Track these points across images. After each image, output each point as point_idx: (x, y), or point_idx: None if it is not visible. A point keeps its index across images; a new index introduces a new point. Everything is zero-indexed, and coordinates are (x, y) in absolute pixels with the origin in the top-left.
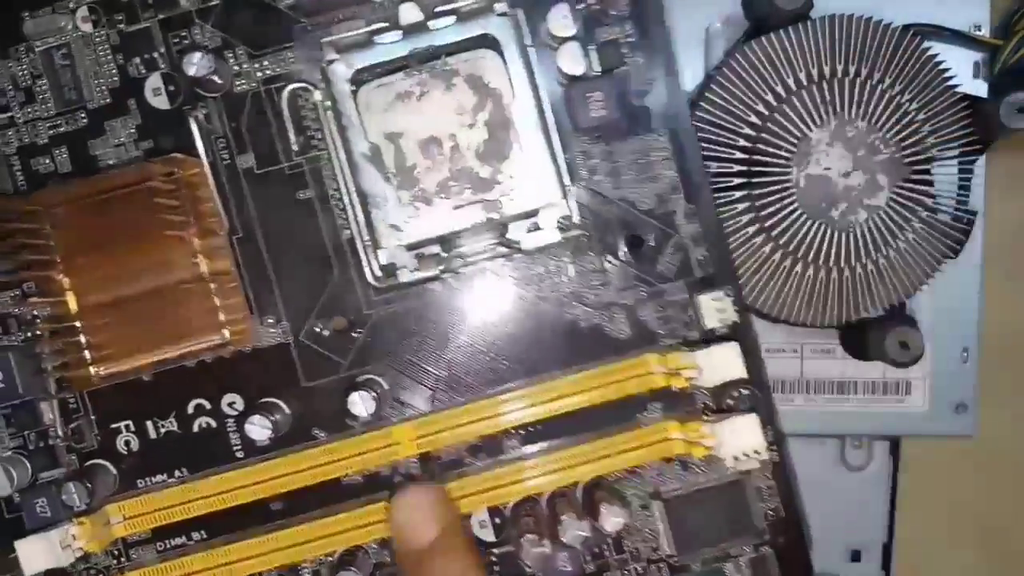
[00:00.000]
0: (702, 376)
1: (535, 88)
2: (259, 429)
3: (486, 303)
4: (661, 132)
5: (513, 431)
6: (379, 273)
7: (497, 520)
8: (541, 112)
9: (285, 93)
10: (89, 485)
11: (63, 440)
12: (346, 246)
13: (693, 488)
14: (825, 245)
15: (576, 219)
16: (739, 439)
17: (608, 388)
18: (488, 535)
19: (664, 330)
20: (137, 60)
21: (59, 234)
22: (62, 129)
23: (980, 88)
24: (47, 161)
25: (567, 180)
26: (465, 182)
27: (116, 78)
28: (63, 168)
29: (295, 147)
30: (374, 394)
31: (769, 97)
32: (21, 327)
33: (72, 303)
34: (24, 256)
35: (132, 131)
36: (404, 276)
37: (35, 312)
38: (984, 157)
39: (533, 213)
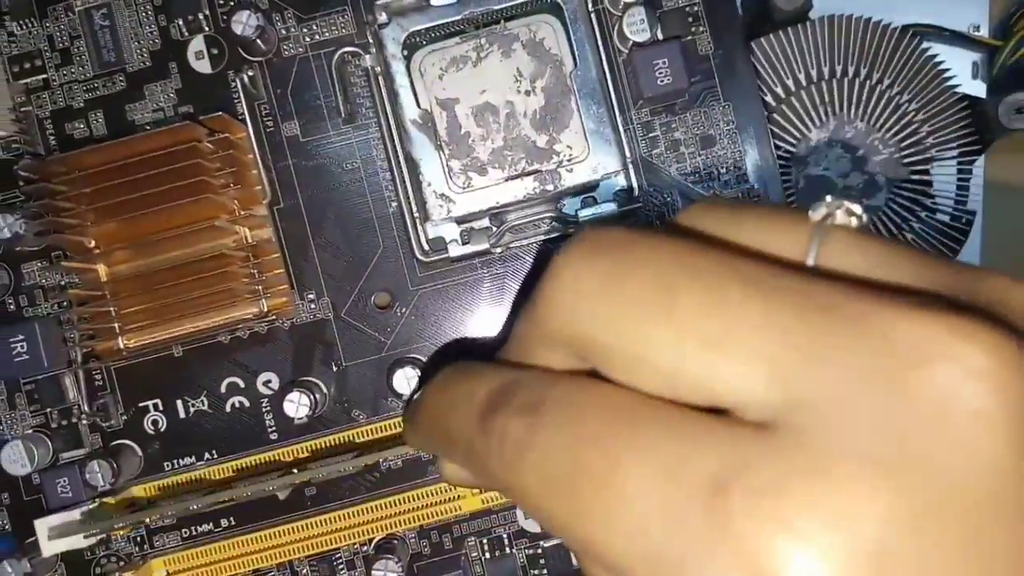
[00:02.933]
0: None
1: (597, 55)
2: (297, 406)
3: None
4: (726, 104)
5: None
6: (427, 247)
7: None
8: (603, 80)
9: (334, 58)
10: (115, 465)
11: (88, 417)
12: (393, 219)
13: None
14: None
15: (636, 193)
16: None
17: None
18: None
19: None
20: (180, 22)
21: (92, 197)
22: (99, 92)
23: (979, 88)
24: (82, 125)
25: (627, 152)
26: (520, 151)
27: (157, 40)
28: (98, 132)
29: (343, 114)
30: (419, 373)
31: (769, 97)
32: (48, 298)
33: (102, 270)
34: (55, 220)
35: (172, 95)
36: (453, 250)
37: (64, 280)
38: (983, 157)
39: (591, 186)
